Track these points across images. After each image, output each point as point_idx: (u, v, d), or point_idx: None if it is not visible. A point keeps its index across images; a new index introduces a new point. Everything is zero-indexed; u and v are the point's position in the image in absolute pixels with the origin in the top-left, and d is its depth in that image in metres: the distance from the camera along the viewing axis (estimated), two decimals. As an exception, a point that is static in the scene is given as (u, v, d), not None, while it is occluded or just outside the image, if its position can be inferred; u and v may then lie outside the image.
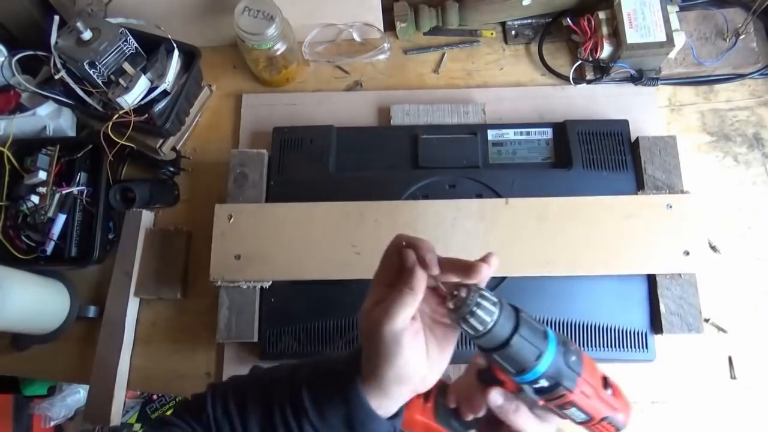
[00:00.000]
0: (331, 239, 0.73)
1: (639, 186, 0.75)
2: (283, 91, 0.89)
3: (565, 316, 0.70)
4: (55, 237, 0.77)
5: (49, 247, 0.77)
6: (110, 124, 0.75)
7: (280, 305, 0.73)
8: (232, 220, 0.75)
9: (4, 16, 0.87)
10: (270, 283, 0.73)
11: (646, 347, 0.70)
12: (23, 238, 0.78)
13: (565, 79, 0.86)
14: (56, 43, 0.74)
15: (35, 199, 0.77)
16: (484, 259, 0.42)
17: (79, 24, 0.72)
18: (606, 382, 0.45)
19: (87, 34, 0.73)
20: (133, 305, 0.79)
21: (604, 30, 0.81)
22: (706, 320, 0.74)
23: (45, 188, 0.78)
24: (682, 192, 0.74)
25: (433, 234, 0.72)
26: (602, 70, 0.84)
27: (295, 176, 0.79)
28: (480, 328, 0.40)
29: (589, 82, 0.85)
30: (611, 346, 0.70)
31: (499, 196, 0.75)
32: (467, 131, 0.80)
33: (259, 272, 0.73)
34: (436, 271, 0.42)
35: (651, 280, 0.72)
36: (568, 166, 0.77)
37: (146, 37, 0.79)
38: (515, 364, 0.41)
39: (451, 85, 0.88)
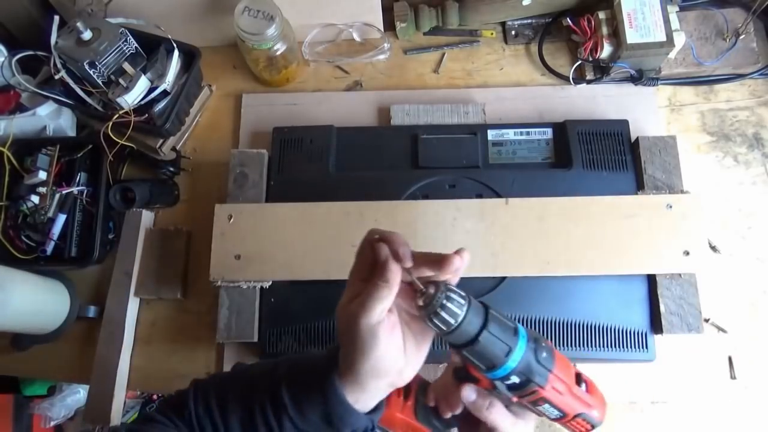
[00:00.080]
0: (331, 239, 0.73)
1: (639, 186, 0.75)
2: (283, 91, 0.89)
3: (565, 316, 0.70)
4: (55, 237, 0.77)
5: (49, 247, 0.77)
6: (110, 124, 0.75)
7: (280, 305, 0.73)
8: (232, 220, 0.75)
9: (4, 16, 0.87)
10: (270, 283, 0.73)
11: (646, 347, 0.70)
12: (23, 238, 0.78)
13: (565, 79, 0.86)
14: (56, 43, 0.74)
15: (35, 199, 0.78)
16: (456, 252, 0.43)
17: (79, 24, 0.72)
18: (579, 379, 0.45)
19: (87, 34, 0.73)
20: (133, 305, 0.79)
21: (604, 30, 0.81)
22: (706, 320, 0.74)
23: (45, 188, 0.78)
24: (682, 192, 0.74)
25: (433, 234, 0.72)
26: (602, 70, 0.84)
27: (295, 176, 0.79)
28: (450, 322, 0.40)
29: (589, 82, 0.85)
30: (611, 346, 0.70)
31: (499, 196, 0.75)
32: (467, 131, 0.80)
33: (259, 272, 0.73)
34: (409, 263, 0.42)
35: (651, 280, 0.72)
36: (568, 166, 0.77)
37: (146, 37, 0.79)
38: (485, 360, 0.42)
39: (451, 85, 0.88)
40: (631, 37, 0.78)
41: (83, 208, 0.80)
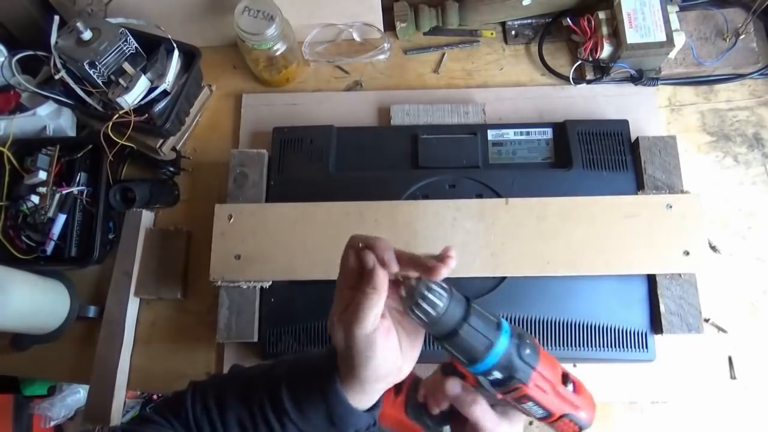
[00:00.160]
0: (331, 239, 0.73)
1: (639, 186, 0.75)
2: (283, 91, 0.89)
3: (565, 316, 0.70)
4: (55, 237, 0.77)
5: (49, 247, 0.77)
6: (110, 124, 0.75)
7: (280, 305, 0.73)
8: (232, 220, 0.75)
9: (4, 16, 0.87)
10: (270, 283, 0.73)
11: (646, 347, 0.70)
12: (23, 238, 0.78)
13: (565, 79, 0.86)
14: (56, 43, 0.74)
15: (35, 199, 0.78)
16: (442, 259, 0.43)
17: (79, 24, 0.72)
18: (566, 379, 0.45)
19: (87, 34, 0.73)
20: (133, 305, 0.79)
21: (604, 30, 0.81)
22: (706, 320, 0.74)
23: (45, 188, 0.78)
24: (682, 192, 0.74)
25: (433, 234, 0.72)
26: (602, 70, 0.84)
27: (295, 176, 0.79)
28: (431, 312, 0.41)
29: (589, 82, 0.85)
30: (611, 346, 0.70)
31: (499, 196, 0.75)
32: (467, 131, 0.80)
33: (259, 272, 0.73)
34: (395, 269, 0.43)
35: (651, 280, 0.72)
36: (568, 166, 0.77)
37: (146, 37, 0.79)
38: (466, 354, 0.42)
39: (451, 85, 0.88)
40: (631, 37, 0.78)
41: (83, 208, 0.80)
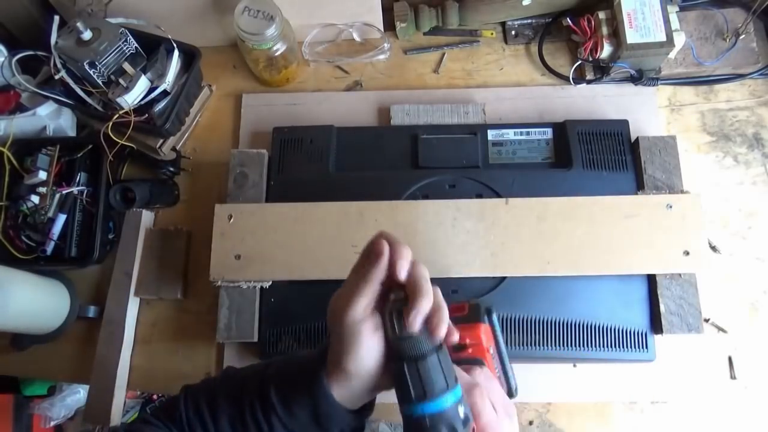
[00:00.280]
0: (331, 239, 0.73)
1: (639, 186, 0.75)
2: (283, 91, 0.89)
3: (565, 316, 0.70)
4: (55, 237, 0.77)
5: (49, 247, 0.77)
6: (110, 124, 0.75)
7: (280, 305, 0.73)
8: (232, 220, 0.75)
9: (4, 16, 0.87)
10: (270, 283, 0.73)
11: (646, 347, 0.70)
12: (23, 238, 0.78)
13: (565, 79, 0.86)
14: (56, 43, 0.74)
15: (35, 199, 0.78)
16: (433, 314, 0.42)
17: (79, 24, 0.72)
18: None
19: (87, 34, 0.73)
20: (133, 305, 0.79)
21: (604, 30, 0.81)
22: (706, 320, 0.74)
23: (45, 188, 0.78)
24: (682, 192, 0.74)
25: (433, 234, 0.72)
26: (602, 70, 0.84)
27: (295, 176, 0.79)
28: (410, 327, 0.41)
29: (589, 82, 0.85)
30: (611, 346, 0.70)
31: (499, 196, 0.75)
32: (467, 131, 0.80)
33: (259, 272, 0.73)
34: (402, 276, 0.42)
35: (651, 280, 0.72)
36: (568, 166, 0.77)
37: (146, 37, 0.79)
38: (423, 384, 0.40)
39: (451, 85, 0.88)
40: (631, 37, 0.78)
41: (83, 208, 0.80)
